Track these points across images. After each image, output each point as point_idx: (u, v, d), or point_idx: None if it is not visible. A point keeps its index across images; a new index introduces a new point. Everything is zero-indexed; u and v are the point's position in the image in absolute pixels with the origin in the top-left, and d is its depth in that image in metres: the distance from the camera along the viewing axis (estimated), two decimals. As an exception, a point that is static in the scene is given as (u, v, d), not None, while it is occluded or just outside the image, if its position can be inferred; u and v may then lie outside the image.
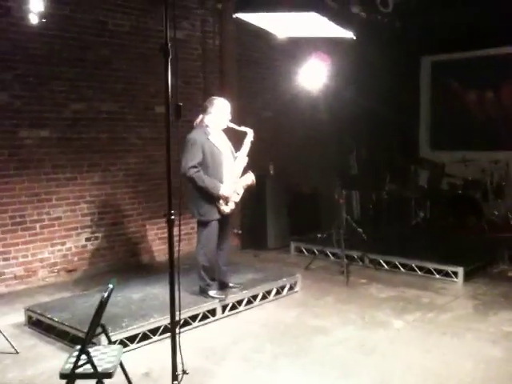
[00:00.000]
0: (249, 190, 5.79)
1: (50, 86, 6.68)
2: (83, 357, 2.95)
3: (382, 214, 9.22)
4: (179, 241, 3.50)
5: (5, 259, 6.38)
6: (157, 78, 6.75)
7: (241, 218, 8.60)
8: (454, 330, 5.13)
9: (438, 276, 6.82)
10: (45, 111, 6.66)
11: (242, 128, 5.62)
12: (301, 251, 8.26)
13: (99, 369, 3.01)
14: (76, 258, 7.03)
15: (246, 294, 5.77)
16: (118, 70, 7.32)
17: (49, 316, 4.98)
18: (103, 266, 7.27)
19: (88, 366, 2.99)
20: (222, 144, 5.52)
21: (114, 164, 7.34)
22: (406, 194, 9.26)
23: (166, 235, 7.60)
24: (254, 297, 5.89)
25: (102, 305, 3.04)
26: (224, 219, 5.53)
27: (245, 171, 5.66)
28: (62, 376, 3.01)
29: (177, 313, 3.44)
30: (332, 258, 7.76)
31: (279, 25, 6.50)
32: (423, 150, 11.66)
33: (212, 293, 5.51)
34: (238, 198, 5.59)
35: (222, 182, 5.38)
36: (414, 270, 7.03)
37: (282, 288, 6.22)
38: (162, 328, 4.90)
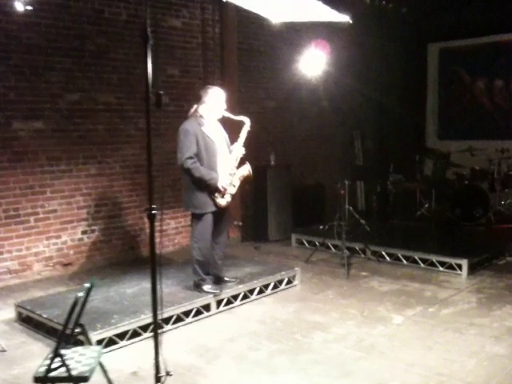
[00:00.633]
0: (247, 182, 5.64)
1: (44, 77, 6.55)
2: (58, 359, 2.81)
3: (387, 205, 9.03)
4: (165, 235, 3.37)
5: (-1, 253, 6.29)
6: (155, 68, 6.58)
7: (242, 209, 8.46)
8: (457, 325, 4.96)
9: (441, 268, 6.63)
10: (39, 102, 6.53)
11: (239, 117, 5.46)
12: (302, 243, 8.11)
13: (75, 372, 2.87)
14: (72, 252, 6.92)
15: (241, 289, 5.61)
16: (115, 60, 7.18)
17: (38, 312, 4.86)
18: (100, 259, 7.15)
19: (63, 369, 2.86)
20: (217, 134, 5.35)
21: (111, 156, 7.21)
22: (410, 185, 9.07)
23: (164, 227, 7.49)
24: (251, 291, 5.73)
25: (76, 305, 2.89)
26: (220, 212, 5.38)
27: (243, 162, 5.50)
28: (36, 379, 2.87)
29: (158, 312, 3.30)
30: (333, 250, 7.61)
31: (273, 9, 6.29)
32: (430, 140, 11.47)
33: (206, 287, 5.36)
34: (234, 190, 5.43)
35: (216, 173, 5.24)
36: (417, 263, 6.86)
37: (280, 282, 6.05)
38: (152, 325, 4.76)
